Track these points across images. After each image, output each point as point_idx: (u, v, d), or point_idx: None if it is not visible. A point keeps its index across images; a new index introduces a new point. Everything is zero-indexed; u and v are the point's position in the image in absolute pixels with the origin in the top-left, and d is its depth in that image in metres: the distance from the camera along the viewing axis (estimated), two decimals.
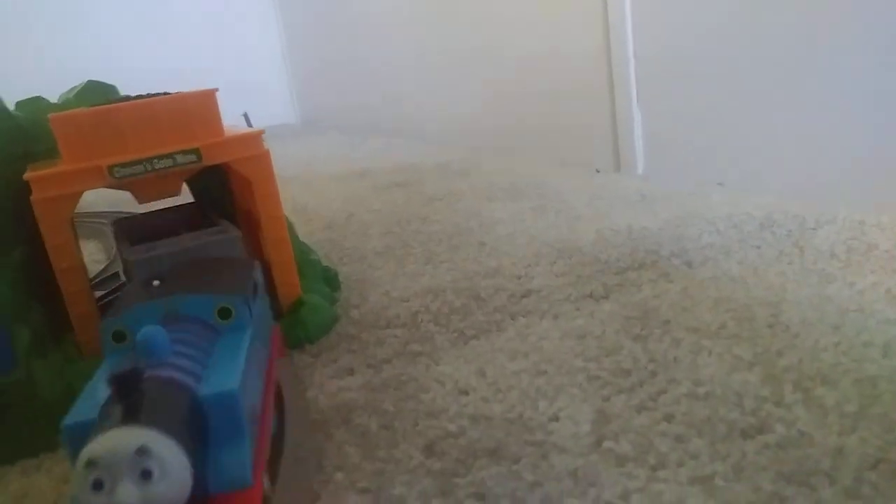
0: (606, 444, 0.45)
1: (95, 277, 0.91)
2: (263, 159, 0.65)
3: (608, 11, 1.24)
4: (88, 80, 0.74)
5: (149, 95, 0.66)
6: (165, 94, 0.65)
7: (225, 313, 0.44)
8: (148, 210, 0.76)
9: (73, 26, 2.54)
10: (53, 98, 0.73)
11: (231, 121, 0.71)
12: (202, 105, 0.64)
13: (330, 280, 0.78)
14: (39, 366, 0.57)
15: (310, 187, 1.46)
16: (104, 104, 0.63)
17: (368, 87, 2.25)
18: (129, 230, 0.72)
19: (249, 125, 2.55)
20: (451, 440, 0.48)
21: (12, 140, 0.65)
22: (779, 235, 0.78)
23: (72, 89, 0.74)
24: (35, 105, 0.71)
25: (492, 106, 1.63)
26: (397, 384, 0.57)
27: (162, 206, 0.75)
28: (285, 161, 1.81)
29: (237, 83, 2.09)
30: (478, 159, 1.50)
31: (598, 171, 1.29)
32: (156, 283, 0.49)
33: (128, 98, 0.66)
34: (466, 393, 0.54)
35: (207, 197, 0.79)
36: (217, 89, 0.65)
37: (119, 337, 0.42)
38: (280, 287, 0.68)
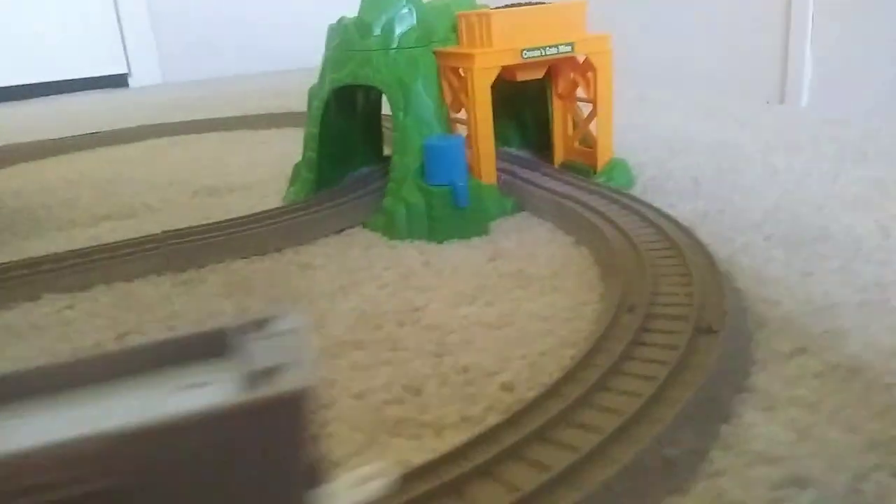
0: None
1: None
2: (609, 54, 0.93)
3: None
4: None
5: (515, 5, 0.93)
6: (538, 2, 0.92)
7: None
8: None
9: None
10: None
11: None
12: (576, 12, 0.91)
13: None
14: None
15: None
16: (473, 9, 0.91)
17: None
18: None
19: None
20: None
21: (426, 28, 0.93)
22: None
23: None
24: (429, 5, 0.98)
25: None
26: (716, 207, 0.84)
27: None
28: None
29: None
30: None
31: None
32: None
33: (517, 5, 0.93)
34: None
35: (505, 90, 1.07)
36: (587, 0, 0.92)
37: None
38: (601, 150, 0.96)
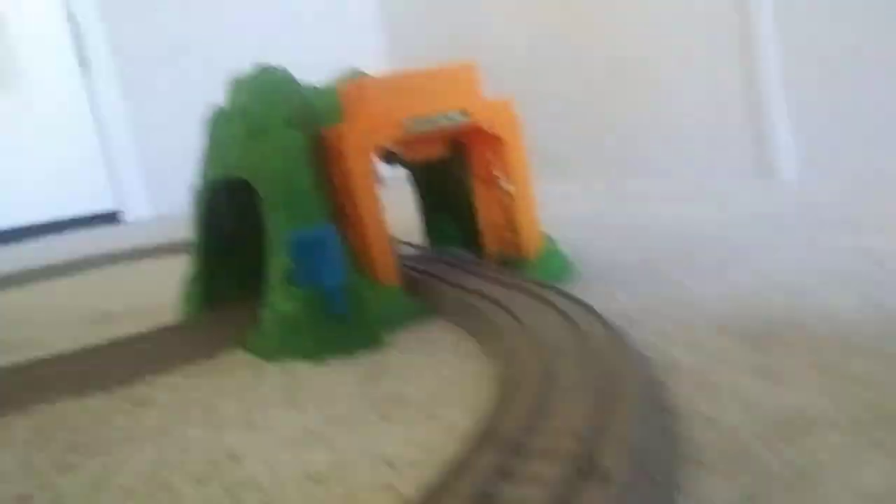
0: None
1: None
2: (515, 121, 0.78)
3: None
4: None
5: None
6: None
7: None
8: None
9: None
10: None
11: None
12: (467, 75, 0.78)
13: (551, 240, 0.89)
14: (356, 281, 0.70)
15: None
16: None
17: None
18: None
19: None
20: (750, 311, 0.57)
21: (311, 113, 0.79)
22: None
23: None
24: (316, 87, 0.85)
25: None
26: (667, 296, 0.67)
27: None
28: None
29: None
30: None
31: None
32: None
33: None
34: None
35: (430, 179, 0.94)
36: (475, 63, 0.78)
37: None
38: (527, 236, 0.80)
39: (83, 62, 2.85)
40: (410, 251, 0.97)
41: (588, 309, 0.61)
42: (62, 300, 1.10)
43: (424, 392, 0.53)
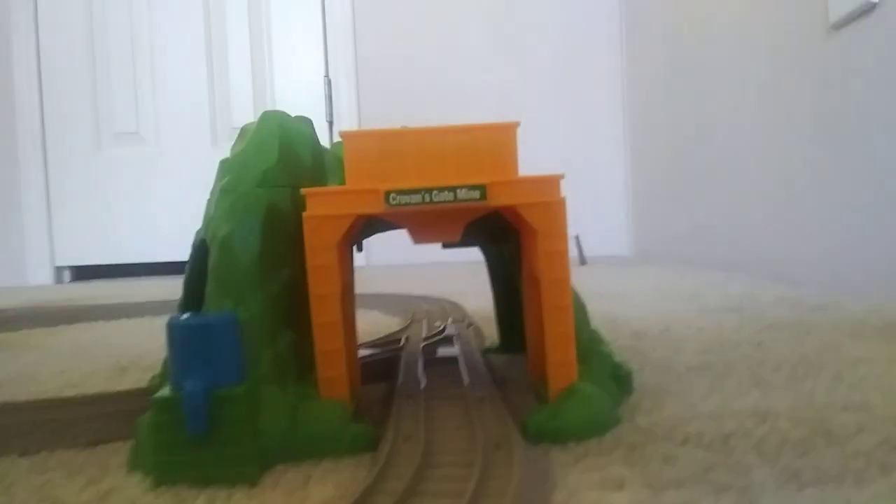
0: None
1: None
2: (555, 208, 0.54)
3: None
4: None
5: None
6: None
7: None
8: None
9: None
10: None
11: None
12: (496, 140, 0.56)
13: (620, 380, 0.62)
14: (270, 395, 0.51)
15: (625, 300, 1.31)
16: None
17: (710, 218, 2.06)
18: None
19: (580, 250, 2.52)
20: None
21: (315, 171, 0.64)
22: None
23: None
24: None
25: (861, 232, 1.33)
26: None
27: None
28: (607, 282, 1.70)
29: (574, 207, 2.09)
30: (840, 295, 1.22)
31: None
32: None
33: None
34: None
35: (495, 259, 0.71)
36: (518, 123, 0.56)
37: None
38: (552, 367, 0.55)
39: (329, 119, 3.06)
40: (452, 351, 0.76)
41: None
42: (121, 341, 1.05)
43: None
